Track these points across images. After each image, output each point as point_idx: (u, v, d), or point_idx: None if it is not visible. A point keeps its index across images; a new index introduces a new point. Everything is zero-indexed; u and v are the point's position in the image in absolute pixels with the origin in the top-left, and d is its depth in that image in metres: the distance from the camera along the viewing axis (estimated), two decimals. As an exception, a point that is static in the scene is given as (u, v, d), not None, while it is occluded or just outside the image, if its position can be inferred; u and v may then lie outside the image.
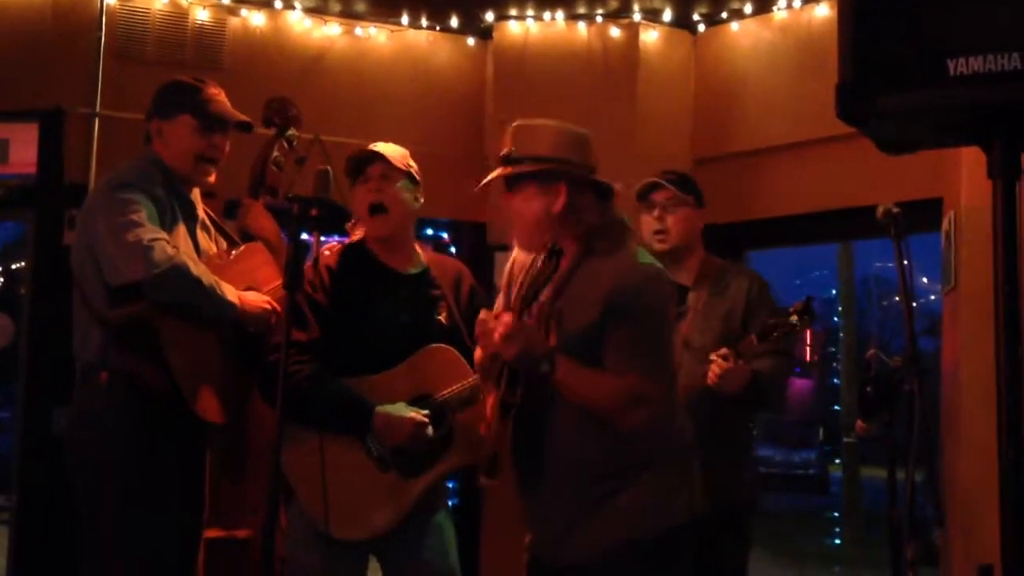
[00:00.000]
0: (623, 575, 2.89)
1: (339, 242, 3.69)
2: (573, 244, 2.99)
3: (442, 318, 3.54)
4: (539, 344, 2.87)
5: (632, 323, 2.88)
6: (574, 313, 2.93)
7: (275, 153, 3.73)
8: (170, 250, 3.23)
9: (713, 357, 3.68)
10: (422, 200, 3.60)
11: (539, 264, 2.96)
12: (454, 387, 3.39)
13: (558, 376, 2.84)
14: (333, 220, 3.23)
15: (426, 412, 3.35)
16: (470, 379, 3.37)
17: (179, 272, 3.21)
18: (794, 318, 3.64)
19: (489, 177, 3.05)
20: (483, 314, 2.93)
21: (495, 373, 2.95)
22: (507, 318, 2.85)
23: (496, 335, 2.83)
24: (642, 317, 2.90)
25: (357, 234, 3.59)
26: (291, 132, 3.76)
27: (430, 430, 3.34)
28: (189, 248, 3.43)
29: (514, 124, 3.07)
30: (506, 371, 2.91)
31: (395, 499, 3.36)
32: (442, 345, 3.46)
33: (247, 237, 3.69)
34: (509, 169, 3.00)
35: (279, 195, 3.64)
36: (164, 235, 3.28)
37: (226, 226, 3.80)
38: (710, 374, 3.67)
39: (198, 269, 3.27)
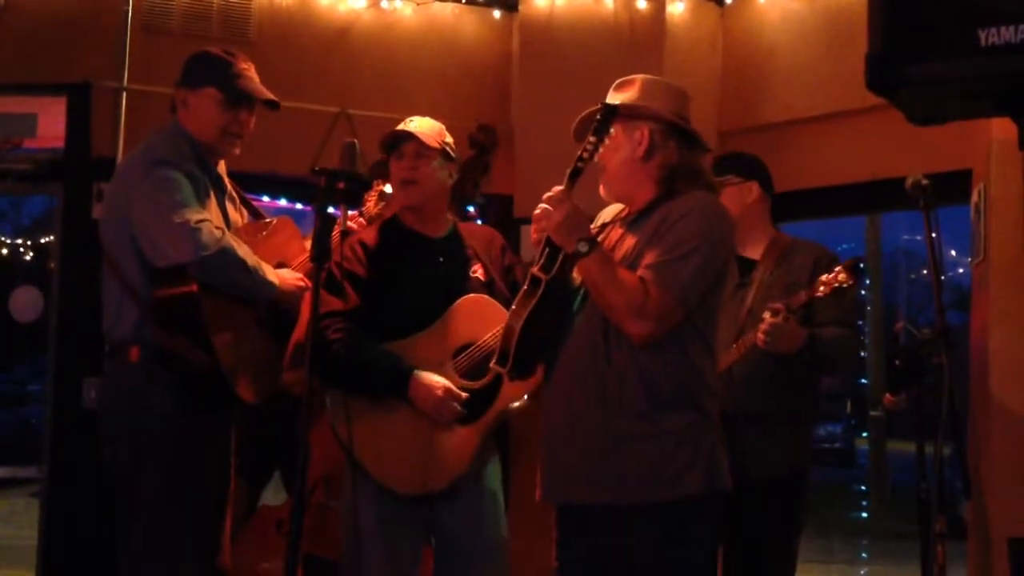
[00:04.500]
0: (630, 534, 2.84)
1: (359, 213, 3.76)
2: (654, 188, 2.98)
3: (479, 275, 3.57)
4: (583, 222, 2.86)
5: (679, 234, 2.84)
6: (636, 237, 2.93)
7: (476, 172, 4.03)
8: (216, 232, 3.24)
9: (765, 315, 3.70)
10: (456, 176, 3.68)
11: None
12: (495, 331, 3.38)
13: (589, 259, 2.79)
14: (360, 192, 3.26)
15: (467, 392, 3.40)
16: None
17: (227, 254, 3.23)
18: (842, 275, 3.65)
19: (577, 120, 3.04)
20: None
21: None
22: (556, 188, 2.84)
23: (544, 199, 2.83)
24: (691, 234, 2.84)
25: (376, 205, 3.68)
26: (489, 156, 4.09)
27: (457, 407, 3.38)
28: (220, 221, 3.43)
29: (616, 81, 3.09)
30: (546, 249, 2.86)
31: (451, 453, 3.40)
32: (473, 295, 3.49)
33: None
34: (592, 110, 2.97)
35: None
36: (208, 215, 3.29)
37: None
38: (759, 332, 3.68)
39: (242, 250, 3.29)
